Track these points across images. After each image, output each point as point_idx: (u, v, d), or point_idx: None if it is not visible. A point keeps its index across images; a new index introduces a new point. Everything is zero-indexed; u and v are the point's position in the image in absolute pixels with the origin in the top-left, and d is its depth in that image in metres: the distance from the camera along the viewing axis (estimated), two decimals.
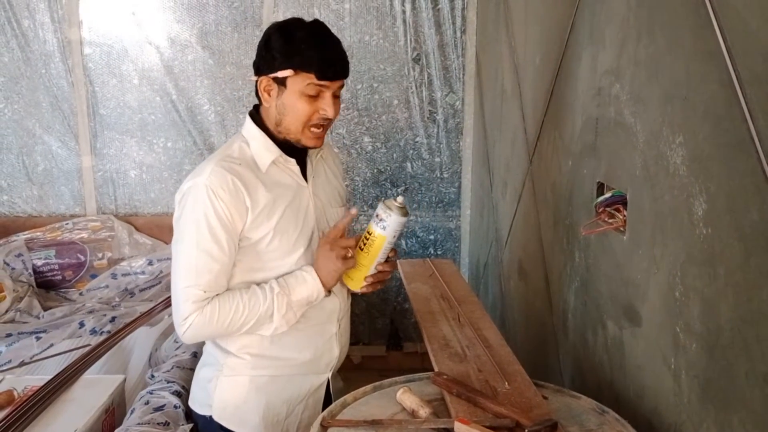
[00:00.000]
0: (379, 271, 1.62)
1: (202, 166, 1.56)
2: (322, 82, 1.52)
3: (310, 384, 1.70)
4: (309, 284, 1.57)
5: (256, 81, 1.59)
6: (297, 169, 1.65)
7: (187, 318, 1.51)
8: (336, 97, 1.57)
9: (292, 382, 1.68)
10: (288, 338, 1.64)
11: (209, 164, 1.55)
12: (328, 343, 1.70)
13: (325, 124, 1.58)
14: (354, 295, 1.78)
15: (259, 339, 1.62)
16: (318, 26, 1.58)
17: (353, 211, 1.60)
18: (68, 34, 3.55)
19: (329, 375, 1.73)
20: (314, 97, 1.54)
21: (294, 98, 1.54)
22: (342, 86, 1.59)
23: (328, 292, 1.61)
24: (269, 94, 1.58)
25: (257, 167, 1.59)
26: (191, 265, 1.52)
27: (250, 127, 1.63)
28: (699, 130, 1.20)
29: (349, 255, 1.56)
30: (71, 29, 3.55)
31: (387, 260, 1.62)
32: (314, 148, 1.63)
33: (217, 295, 1.53)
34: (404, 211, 1.53)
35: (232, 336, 1.60)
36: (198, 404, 1.72)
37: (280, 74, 1.53)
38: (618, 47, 1.57)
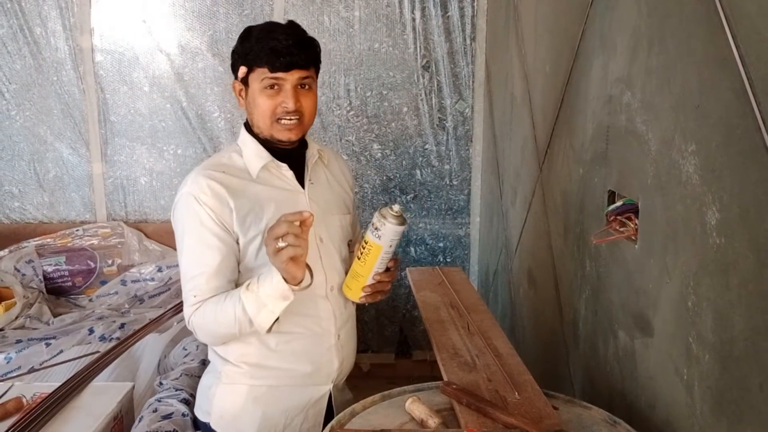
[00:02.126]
0: (378, 281, 1.57)
1: (186, 177, 1.59)
2: (276, 74, 1.53)
3: (310, 396, 1.68)
4: (272, 277, 1.42)
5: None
6: (290, 174, 1.64)
7: (189, 320, 1.55)
8: (302, 88, 1.57)
9: (291, 393, 1.66)
10: (285, 349, 1.62)
11: (192, 174, 1.58)
12: (327, 354, 1.67)
13: (297, 117, 1.57)
14: (361, 305, 1.77)
15: (257, 348, 1.61)
16: (277, 23, 1.59)
17: (305, 214, 1.39)
18: (80, 41, 3.58)
19: (330, 387, 1.70)
20: (275, 91, 1.55)
21: (255, 94, 1.57)
22: (305, 77, 1.57)
23: (304, 283, 1.44)
24: (241, 96, 1.63)
25: (248, 174, 1.61)
26: (186, 271, 1.56)
27: (243, 135, 1.67)
28: (712, 139, 1.19)
29: (280, 245, 1.35)
30: (83, 37, 3.57)
31: (387, 270, 1.58)
32: (288, 141, 1.59)
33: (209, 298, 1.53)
34: (400, 220, 1.47)
35: (235, 340, 1.58)
36: (200, 411, 1.73)
37: (240, 74, 1.59)
38: (629, 55, 1.56)
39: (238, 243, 1.56)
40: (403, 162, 3.76)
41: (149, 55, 3.62)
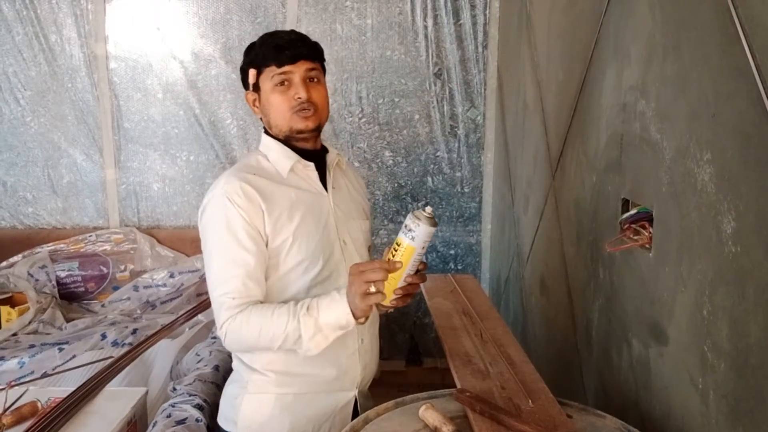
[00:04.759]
0: (409, 284, 1.53)
1: (217, 180, 1.61)
2: (284, 69, 1.58)
3: (336, 401, 1.68)
4: (339, 308, 1.46)
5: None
6: (315, 175, 1.67)
7: (223, 325, 1.52)
8: (311, 80, 1.61)
9: (317, 400, 1.66)
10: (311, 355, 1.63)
11: (224, 177, 1.60)
12: (351, 358, 1.68)
13: (310, 109, 1.60)
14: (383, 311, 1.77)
15: (283, 356, 1.61)
16: (278, 30, 1.67)
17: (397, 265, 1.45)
18: (94, 48, 3.61)
19: (356, 392, 1.71)
20: (285, 87, 1.59)
21: (268, 94, 1.61)
22: (312, 69, 1.61)
23: (364, 320, 1.50)
24: (255, 105, 1.67)
25: (278, 175, 1.63)
26: (219, 273, 1.55)
27: (265, 140, 1.69)
28: (727, 148, 1.19)
29: (371, 291, 1.42)
30: (97, 44, 3.60)
31: (417, 272, 1.55)
32: (307, 129, 1.61)
33: (250, 304, 1.52)
34: (433, 222, 1.47)
35: (267, 350, 1.56)
36: (225, 420, 1.72)
37: (251, 80, 1.63)
38: (643, 63, 1.56)
39: (266, 246, 1.57)
40: (415, 169, 3.77)
41: (163, 63, 3.65)
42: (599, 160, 1.87)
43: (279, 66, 1.57)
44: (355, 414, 1.71)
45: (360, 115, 3.69)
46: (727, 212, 1.19)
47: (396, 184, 3.78)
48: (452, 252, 3.87)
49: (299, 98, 1.58)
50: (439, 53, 3.64)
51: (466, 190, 3.80)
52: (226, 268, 1.53)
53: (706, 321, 1.27)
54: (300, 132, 1.62)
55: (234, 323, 1.50)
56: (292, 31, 1.65)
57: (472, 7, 3.57)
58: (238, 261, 1.53)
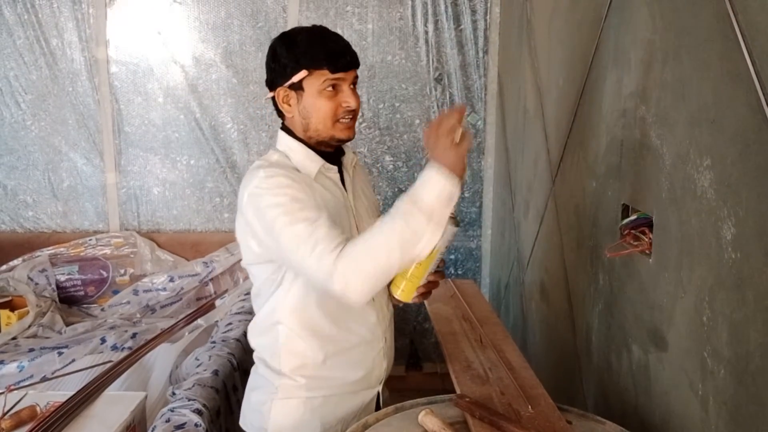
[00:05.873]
0: (430, 281, 1.54)
1: (249, 178, 1.53)
2: (337, 75, 1.54)
3: (363, 399, 1.69)
4: (435, 179, 1.38)
5: (273, 96, 1.62)
6: (337, 177, 1.65)
7: (333, 275, 1.38)
8: (354, 85, 1.59)
9: (345, 400, 1.67)
10: (340, 359, 1.63)
11: (257, 171, 1.52)
12: (377, 358, 1.69)
13: (352, 116, 1.59)
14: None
15: (312, 361, 1.61)
16: (318, 27, 1.62)
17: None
18: (95, 53, 3.61)
19: (380, 388, 1.73)
20: (333, 92, 1.55)
21: (314, 98, 1.55)
22: (356, 77, 1.60)
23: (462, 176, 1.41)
24: (289, 104, 1.59)
25: (306, 176, 1.58)
26: (300, 239, 1.42)
27: (287, 141, 1.63)
28: (727, 154, 1.19)
29: (457, 140, 1.37)
30: (98, 48, 3.61)
31: (437, 270, 1.56)
32: (348, 139, 1.60)
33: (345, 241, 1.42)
34: (456, 221, 1.47)
35: (289, 353, 1.56)
36: (252, 428, 1.71)
37: (295, 79, 1.55)
38: (643, 69, 1.57)
39: None
40: (415, 174, 3.74)
41: (164, 67, 3.65)
42: (599, 166, 1.88)
43: (333, 72, 1.53)
44: (377, 408, 1.72)
45: (360, 120, 3.69)
46: (727, 218, 1.19)
47: (396, 189, 3.78)
48: (452, 257, 3.86)
49: (348, 106, 1.56)
50: (439, 58, 3.64)
51: (466, 194, 3.80)
52: (303, 230, 1.42)
53: (706, 327, 1.27)
54: (340, 141, 1.60)
55: (344, 259, 1.38)
56: (341, 36, 1.61)
57: (473, 12, 3.58)
58: (313, 215, 1.44)
